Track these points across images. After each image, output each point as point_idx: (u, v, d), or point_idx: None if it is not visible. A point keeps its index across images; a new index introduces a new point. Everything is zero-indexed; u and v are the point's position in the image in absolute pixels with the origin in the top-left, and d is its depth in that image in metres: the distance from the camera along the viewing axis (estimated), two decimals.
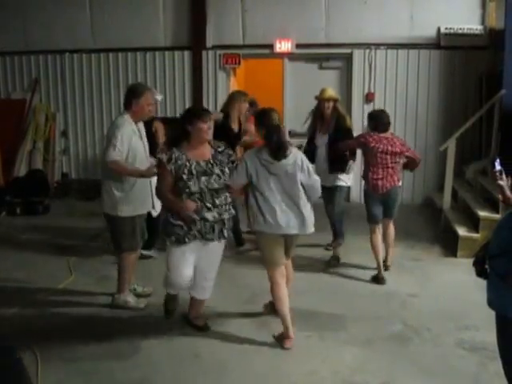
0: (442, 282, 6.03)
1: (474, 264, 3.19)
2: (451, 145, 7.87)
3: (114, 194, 4.94)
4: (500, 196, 3.57)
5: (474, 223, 6.99)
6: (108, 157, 4.82)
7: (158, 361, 4.34)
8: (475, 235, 6.75)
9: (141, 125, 5.18)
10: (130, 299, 5.22)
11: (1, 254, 6.95)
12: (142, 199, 5.11)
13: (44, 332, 4.82)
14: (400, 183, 6.21)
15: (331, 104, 6.43)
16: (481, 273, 3.11)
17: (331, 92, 6.54)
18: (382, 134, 5.93)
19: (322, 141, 6.50)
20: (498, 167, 3.48)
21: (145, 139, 5.21)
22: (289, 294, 4.61)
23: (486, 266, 3.05)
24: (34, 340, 4.59)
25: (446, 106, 9.41)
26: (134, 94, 5.02)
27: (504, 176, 3.49)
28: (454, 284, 5.93)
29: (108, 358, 4.39)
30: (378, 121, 6.02)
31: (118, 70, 10.34)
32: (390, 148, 5.87)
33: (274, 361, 4.33)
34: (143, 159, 5.07)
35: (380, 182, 5.92)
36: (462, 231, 6.93)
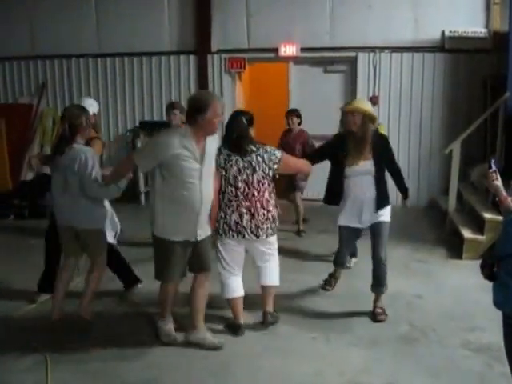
0: (448, 284, 6.04)
1: (482, 267, 3.20)
2: (456, 148, 7.89)
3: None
4: (497, 197, 3.56)
5: (479, 225, 7.00)
6: None
7: (167, 362, 4.38)
8: (480, 237, 6.77)
9: None
10: (208, 335, 4.65)
11: (9, 256, 7.01)
12: None
13: (52, 333, 4.84)
14: None
15: (358, 119, 4.95)
16: (490, 276, 3.13)
17: (362, 104, 5.13)
18: None
19: (363, 169, 5.03)
20: (493, 167, 3.48)
21: None
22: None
23: (495, 269, 3.07)
24: (42, 341, 4.63)
25: (450, 108, 9.42)
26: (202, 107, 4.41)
27: (499, 176, 3.50)
28: (460, 286, 5.95)
29: (116, 359, 4.43)
30: None
31: (123, 74, 10.41)
32: None
33: (280, 362, 4.36)
34: None
35: None
36: (467, 233, 6.95)
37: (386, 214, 5.16)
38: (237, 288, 4.81)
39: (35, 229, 8.13)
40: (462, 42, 9.13)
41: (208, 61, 10.10)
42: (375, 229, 5.17)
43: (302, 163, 5.12)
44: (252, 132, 4.70)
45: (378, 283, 5.19)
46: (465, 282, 5.99)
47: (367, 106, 5.04)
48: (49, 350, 4.48)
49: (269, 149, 4.67)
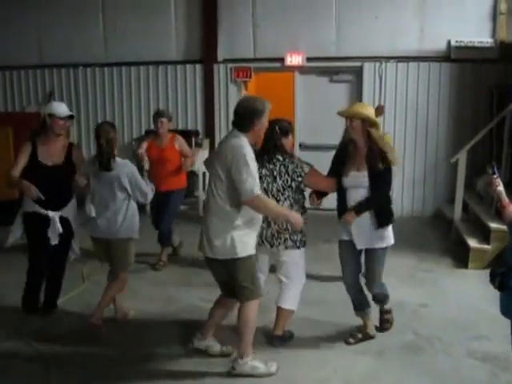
0: (453, 293, 6.03)
1: (493, 277, 3.20)
2: (462, 157, 7.89)
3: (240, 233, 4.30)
4: (499, 203, 3.53)
5: (484, 235, 6.98)
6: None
7: (170, 370, 4.40)
8: (486, 247, 6.75)
9: None
10: (259, 364, 4.33)
11: (15, 262, 6.97)
12: None
13: (54, 338, 4.87)
14: None
15: (357, 125, 4.50)
16: (501, 286, 3.13)
17: (360, 108, 4.61)
18: None
19: (355, 180, 4.56)
20: (496, 173, 3.48)
21: None
22: None
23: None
24: (45, 346, 4.67)
25: (456, 118, 9.42)
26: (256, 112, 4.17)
27: (500, 182, 3.50)
28: (465, 295, 5.93)
29: (119, 363, 4.45)
30: None
31: (130, 83, 10.46)
32: None
33: (286, 369, 4.35)
34: None
35: None
36: (473, 243, 6.93)
37: (384, 238, 4.61)
38: None
39: None
40: (468, 52, 9.14)
41: (214, 70, 10.14)
42: (369, 256, 4.71)
43: (326, 183, 4.68)
44: (288, 141, 4.68)
45: (377, 301, 4.94)
46: (470, 292, 5.97)
47: (367, 111, 4.52)
48: (51, 355, 4.46)
49: (296, 161, 4.62)
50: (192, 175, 9.20)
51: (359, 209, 4.49)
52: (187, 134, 9.63)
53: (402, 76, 9.54)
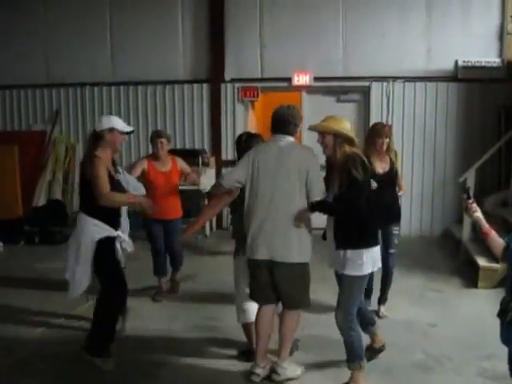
0: (463, 312, 5.92)
1: (504, 312, 3.20)
2: (470, 176, 7.82)
3: (308, 237, 4.35)
4: (481, 229, 3.33)
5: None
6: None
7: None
8: (496, 266, 6.61)
9: None
10: (295, 366, 4.44)
11: (18, 281, 7.00)
12: None
13: (59, 356, 4.80)
14: None
15: (329, 140, 4.18)
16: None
17: (333, 122, 4.22)
18: None
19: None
20: (471, 197, 3.31)
21: None
22: None
23: None
24: (48, 364, 4.60)
25: (464, 138, 9.38)
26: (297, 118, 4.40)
27: (477, 207, 3.32)
28: (475, 314, 5.81)
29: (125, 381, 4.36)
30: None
31: (137, 102, 10.46)
32: None
33: None
34: None
35: None
36: (482, 262, 6.81)
37: (348, 264, 4.07)
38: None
39: (45, 255, 8.25)
40: (476, 72, 9.14)
41: (221, 90, 10.14)
42: (338, 281, 4.37)
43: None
44: None
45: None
46: (480, 311, 5.85)
47: (339, 125, 4.16)
48: (54, 372, 4.37)
49: None
50: (196, 194, 9.11)
51: (314, 206, 4.15)
52: (194, 153, 9.65)
53: (409, 96, 9.53)
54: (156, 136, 6.40)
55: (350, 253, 4.05)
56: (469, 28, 9.16)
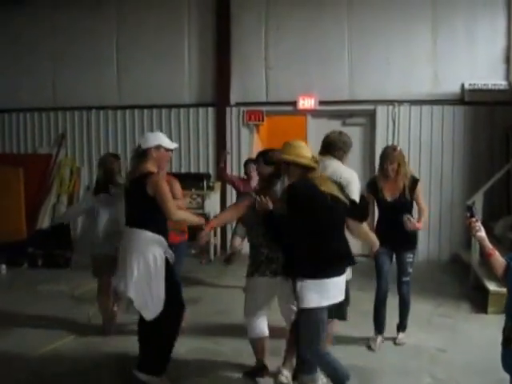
0: (473, 338, 5.79)
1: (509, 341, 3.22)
2: (478, 199, 7.72)
3: None
4: (484, 249, 3.26)
5: None
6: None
7: None
8: (506, 290, 6.49)
9: None
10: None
11: (19, 303, 6.92)
12: None
13: (58, 378, 4.75)
14: None
15: (282, 168, 4.12)
16: None
17: (287, 151, 4.01)
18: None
19: None
20: (475, 215, 3.17)
21: None
22: None
23: None
24: None
25: (471, 161, 9.31)
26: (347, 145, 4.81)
27: (481, 226, 3.22)
28: (485, 339, 5.65)
29: None
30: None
31: (142, 126, 10.47)
32: None
33: None
34: None
35: None
36: (492, 286, 6.68)
37: (297, 296, 3.85)
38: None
39: (48, 278, 8.22)
40: (482, 95, 9.11)
41: (226, 113, 10.15)
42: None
43: None
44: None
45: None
46: (490, 336, 5.64)
47: (292, 153, 3.96)
48: None
49: None
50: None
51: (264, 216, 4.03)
52: (199, 177, 9.61)
53: (415, 119, 9.49)
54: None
55: (299, 284, 3.81)
56: (475, 51, 9.17)
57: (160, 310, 4.36)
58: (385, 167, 5.38)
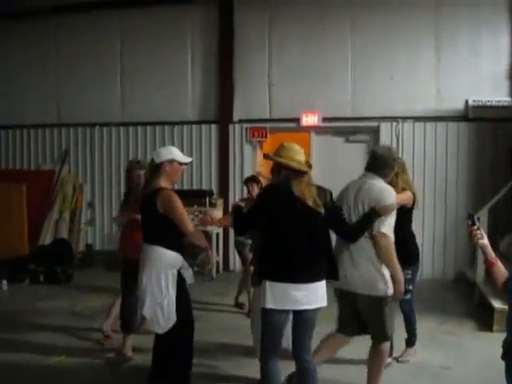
0: (478, 356, 5.68)
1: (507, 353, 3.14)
2: (483, 215, 7.64)
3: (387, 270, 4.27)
4: (486, 258, 3.20)
5: None
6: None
7: None
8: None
9: None
10: None
11: (20, 319, 6.91)
12: None
13: None
14: None
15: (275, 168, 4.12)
16: None
17: (280, 150, 4.05)
18: None
19: None
20: (477, 223, 3.12)
21: None
22: None
23: None
24: None
25: (476, 177, 9.26)
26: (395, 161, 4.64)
27: (483, 233, 3.18)
28: (490, 357, 5.49)
29: None
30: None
31: (145, 142, 10.50)
32: None
33: None
34: None
35: None
36: (497, 304, 6.58)
37: (263, 296, 3.86)
38: None
39: (49, 294, 8.20)
40: (486, 111, 9.09)
41: (230, 130, 10.14)
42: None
43: None
44: None
45: None
46: (496, 354, 5.55)
47: (285, 155, 3.95)
48: None
49: None
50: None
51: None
52: (201, 194, 9.57)
53: (419, 136, 9.46)
54: (136, 167, 5.72)
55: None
56: (478, 68, 9.17)
57: (171, 325, 4.30)
58: None
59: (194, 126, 10.33)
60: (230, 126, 10.14)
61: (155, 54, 10.31)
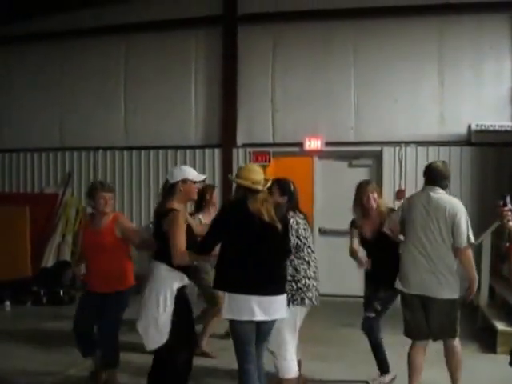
0: (481, 377, 5.65)
1: None
2: (486, 239, 7.63)
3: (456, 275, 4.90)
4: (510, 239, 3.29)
5: None
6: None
7: None
8: None
9: None
10: None
11: (25, 340, 6.91)
12: None
13: None
14: None
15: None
16: None
17: (239, 171, 4.54)
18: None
19: None
20: (509, 205, 3.14)
21: None
22: None
23: None
24: None
25: (479, 202, 9.22)
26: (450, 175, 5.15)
27: None
28: (494, 378, 5.53)
29: None
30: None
31: (149, 167, 10.54)
32: None
33: None
34: None
35: None
36: (500, 326, 6.57)
37: (224, 307, 4.13)
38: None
39: (52, 315, 8.21)
40: (489, 136, 9.11)
41: (233, 154, 10.18)
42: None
43: None
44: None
45: None
46: (499, 375, 5.55)
47: (241, 175, 4.23)
48: None
49: None
50: None
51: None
52: None
53: (422, 160, 9.39)
54: (100, 189, 5.30)
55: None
56: (481, 92, 9.24)
57: (161, 344, 4.28)
58: (364, 199, 5.45)
59: (197, 150, 10.38)
60: (234, 150, 10.18)
61: (159, 79, 10.44)
